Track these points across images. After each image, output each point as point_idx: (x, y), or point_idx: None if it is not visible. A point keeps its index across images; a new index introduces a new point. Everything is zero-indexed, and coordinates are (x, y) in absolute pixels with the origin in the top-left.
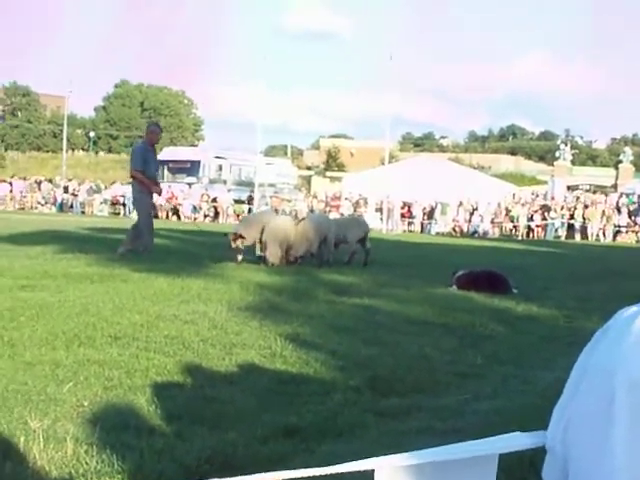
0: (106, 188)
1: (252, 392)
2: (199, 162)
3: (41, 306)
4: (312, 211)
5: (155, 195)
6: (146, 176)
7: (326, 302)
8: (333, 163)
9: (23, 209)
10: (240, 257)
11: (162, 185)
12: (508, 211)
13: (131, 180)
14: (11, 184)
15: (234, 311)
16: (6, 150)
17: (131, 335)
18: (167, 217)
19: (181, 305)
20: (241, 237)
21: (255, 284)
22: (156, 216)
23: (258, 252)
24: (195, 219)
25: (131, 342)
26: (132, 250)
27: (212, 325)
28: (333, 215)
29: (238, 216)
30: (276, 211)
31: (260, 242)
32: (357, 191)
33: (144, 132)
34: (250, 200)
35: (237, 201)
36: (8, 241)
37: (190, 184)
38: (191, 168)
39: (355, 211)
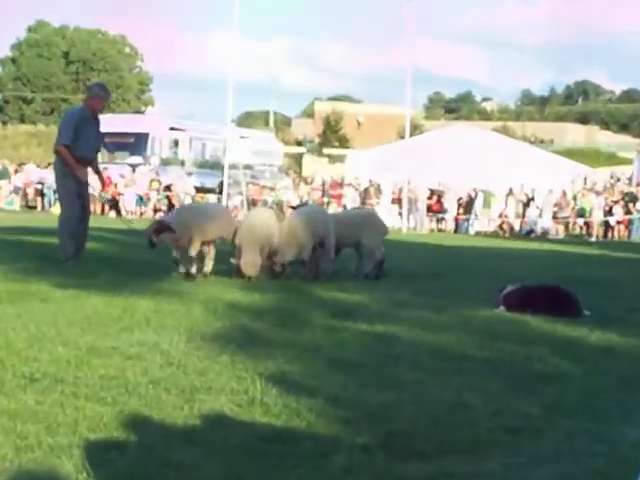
0: (16, 172)
1: (221, 454)
2: (147, 135)
3: None
4: (304, 203)
5: (93, 182)
6: (75, 155)
7: (324, 329)
8: (333, 136)
9: None
10: (183, 268)
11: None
12: (577, 202)
13: (55, 157)
14: None
15: (196, 342)
16: None
17: (53, 375)
18: (102, 212)
19: (122, 334)
20: (168, 230)
21: (225, 304)
22: (87, 210)
23: (232, 260)
24: (141, 214)
25: (53, 385)
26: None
27: (166, 361)
28: (334, 209)
29: None
30: (254, 203)
31: (233, 245)
32: (366, 175)
33: (85, 97)
34: (220, 188)
35: (200, 189)
36: None
37: (134, 166)
38: (135, 144)
39: (364, 203)
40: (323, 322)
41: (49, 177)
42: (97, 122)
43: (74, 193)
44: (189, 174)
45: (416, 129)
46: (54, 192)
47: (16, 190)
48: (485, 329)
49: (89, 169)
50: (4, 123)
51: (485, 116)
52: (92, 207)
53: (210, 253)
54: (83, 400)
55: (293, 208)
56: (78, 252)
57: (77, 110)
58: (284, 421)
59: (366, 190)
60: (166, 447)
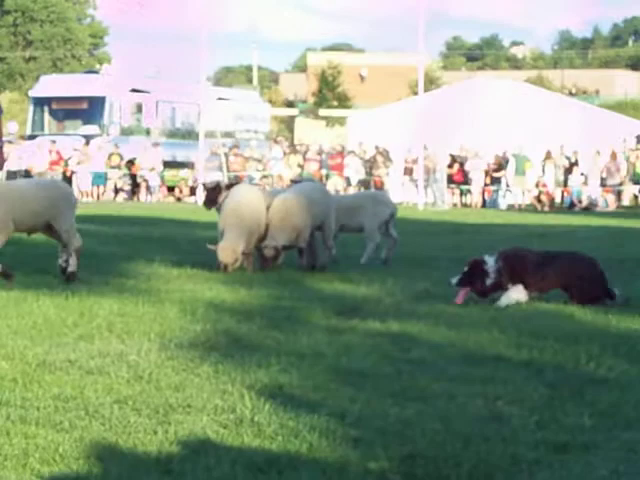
0: None
1: None
2: (102, 100)
3: None
4: (298, 179)
5: None
6: None
7: (325, 330)
8: (330, 94)
9: None
10: None
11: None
12: (630, 165)
13: None
14: None
15: (171, 350)
16: None
17: None
18: None
19: (80, 343)
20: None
21: (205, 304)
22: None
23: (209, 246)
24: (99, 196)
25: None
26: None
27: (134, 375)
28: (334, 182)
29: (172, 190)
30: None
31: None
32: (372, 140)
33: None
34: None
35: (169, 164)
36: None
37: (88, 137)
38: (89, 110)
39: (370, 174)
40: (324, 322)
41: None
42: None
43: None
44: (155, 145)
45: (432, 83)
46: None
47: None
48: (522, 325)
49: None
50: None
51: (515, 64)
52: None
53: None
54: (34, 426)
55: (294, 182)
56: None
57: None
58: (280, 444)
59: (373, 158)
60: None
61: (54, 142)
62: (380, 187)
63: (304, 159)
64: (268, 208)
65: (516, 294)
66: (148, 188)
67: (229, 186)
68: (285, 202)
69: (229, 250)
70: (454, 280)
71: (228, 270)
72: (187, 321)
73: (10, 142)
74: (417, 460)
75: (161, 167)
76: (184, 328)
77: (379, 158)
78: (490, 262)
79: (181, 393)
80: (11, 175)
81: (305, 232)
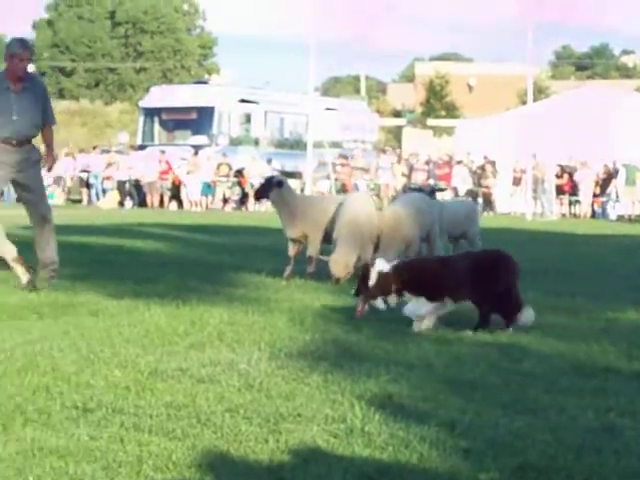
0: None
1: None
2: (212, 110)
3: None
4: (409, 188)
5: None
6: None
7: (434, 341)
8: (438, 104)
9: None
10: (289, 269)
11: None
12: None
13: None
14: None
15: (281, 360)
16: None
17: (110, 405)
18: (161, 204)
19: (191, 352)
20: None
21: (315, 314)
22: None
23: (321, 257)
24: (207, 206)
25: (110, 416)
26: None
27: (245, 384)
28: (441, 193)
29: None
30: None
31: (324, 241)
32: (480, 150)
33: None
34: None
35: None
36: None
37: (197, 147)
38: (199, 121)
39: (479, 185)
40: (433, 333)
41: (96, 164)
42: (28, 89)
43: None
44: (269, 161)
45: (541, 92)
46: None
47: (57, 181)
48: (633, 337)
49: (30, 153)
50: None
51: (626, 73)
52: (149, 199)
53: None
54: (147, 434)
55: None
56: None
57: None
58: (391, 454)
59: (481, 168)
60: None
61: (164, 152)
62: (488, 197)
63: (411, 169)
64: None
65: (415, 307)
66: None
67: (279, 184)
68: (394, 213)
69: (342, 264)
70: (352, 290)
71: (340, 283)
72: (296, 330)
73: (120, 152)
74: (528, 472)
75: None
76: (293, 337)
77: (488, 168)
78: (380, 264)
79: (291, 402)
80: (121, 185)
81: (415, 243)
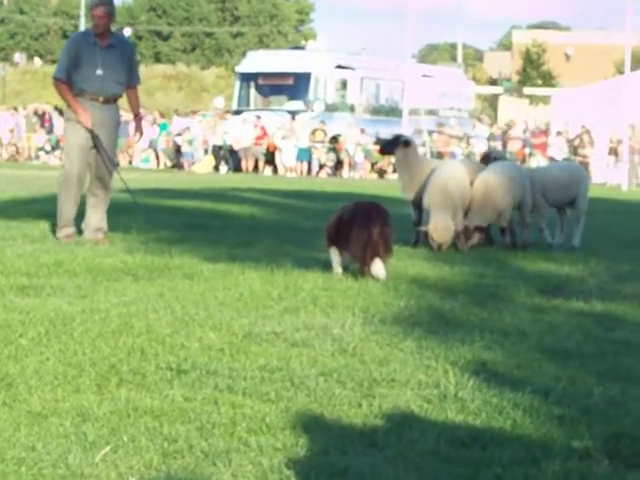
0: (154, 123)
1: (407, 461)
2: (308, 76)
3: (53, 320)
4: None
5: (128, 131)
6: (77, 90)
7: (529, 308)
8: (535, 72)
9: (16, 160)
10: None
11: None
12: None
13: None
14: None
15: (375, 325)
16: None
17: (204, 367)
18: (256, 168)
19: (285, 316)
20: None
21: (409, 280)
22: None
23: (419, 228)
24: (302, 172)
25: (205, 378)
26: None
27: (339, 349)
28: (537, 161)
29: (373, 166)
30: (440, 156)
31: (416, 208)
32: (577, 119)
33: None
34: None
35: (375, 141)
36: None
37: (293, 113)
38: (295, 86)
39: (575, 154)
40: (528, 300)
41: (193, 129)
42: (114, 46)
43: (76, 143)
44: (362, 131)
45: (639, 62)
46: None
47: (151, 144)
48: None
49: (114, 113)
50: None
51: None
52: (244, 164)
53: None
54: (241, 396)
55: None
56: (91, 222)
57: (80, 33)
58: (484, 420)
59: (579, 138)
60: (341, 452)
61: (259, 117)
62: (585, 167)
63: (507, 138)
64: (471, 184)
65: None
66: (352, 164)
67: (406, 143)
68: (486, 181)
69: (443, 229)
70: None
71: (442, 249)
72: (390, 297)
73: (216, 117)
74: (622, 440)
75: (366, 144)
76: (387, 303)
77: (585, 137)
78: None
79: (385, 367)
80: (216, 149)
81: (507, 211)
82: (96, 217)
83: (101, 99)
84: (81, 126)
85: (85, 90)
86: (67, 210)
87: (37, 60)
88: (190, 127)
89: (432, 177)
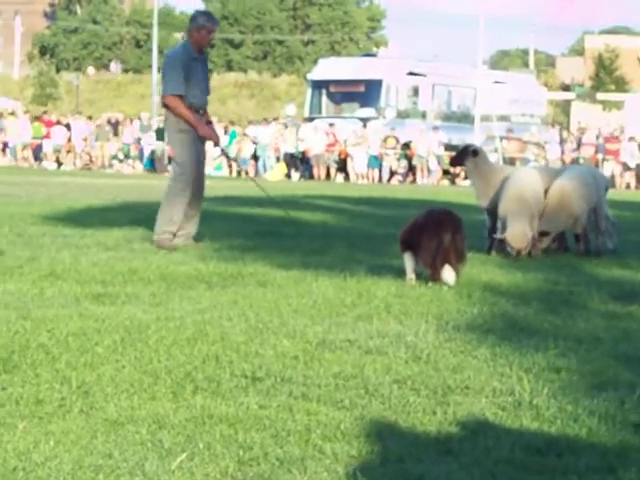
0: (225, 131)
1: (483, 468)
2: (379, 83)
3: (128, 328)
4: (576, 160)
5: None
6: (189, 104)
7: (604, 315)
8: (608, 78)
9: (89, 168)
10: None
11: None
12: None
13: (165, 112)
14: (69, 127)
15: (448, 332)
16: (59, 70)
17: (279, 374)
18: (328, 176)
19: (359, 323)
20: None
21: (482, 287)
22: (203, 177)
23: (495, 235)
24: (374, 179)
25: (279, 386)
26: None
27: (413, 356)
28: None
29: (446, 173)
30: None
31: (491, 215)
32: None
33: (189, 29)
34: None
35: (447, 147)
36: (68, 221)
37: (365, 120)
38: (366, 93)
39: None
40: (602, 307)
41: (264, 136)
42: (203, 60)
43: (195, 155)
44: (436, 130)
45: None
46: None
47: (223, 152)
48: None
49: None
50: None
51: None
52: (316, 171)
53: None
54: (315, 403)
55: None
56: (187, 229)
57: (180, 48)
58: (559, 428)
59: None
60: (416, 460)
61: (332, 125)
62: None
63: (580, 143)
64: (546, 191)
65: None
66: (425, 170)
67: (475, 152)
68: (562, 188)
69: (521, 236)
70: None
71: (521, 256)
72: (464, 304)
73: (286, 126)
74: None
75: (440, 150)
76: (461, 310)
77: None
78: None
79: (459, 375)
80: (288, 157)
81: (582, 218)
82: (194, 224)
83: (202, 112)
84: (197, 139)
85: (194, 104)
86: (180, 219)
87: (113, 65)
88: (261, 135)
89: (507, 185)
